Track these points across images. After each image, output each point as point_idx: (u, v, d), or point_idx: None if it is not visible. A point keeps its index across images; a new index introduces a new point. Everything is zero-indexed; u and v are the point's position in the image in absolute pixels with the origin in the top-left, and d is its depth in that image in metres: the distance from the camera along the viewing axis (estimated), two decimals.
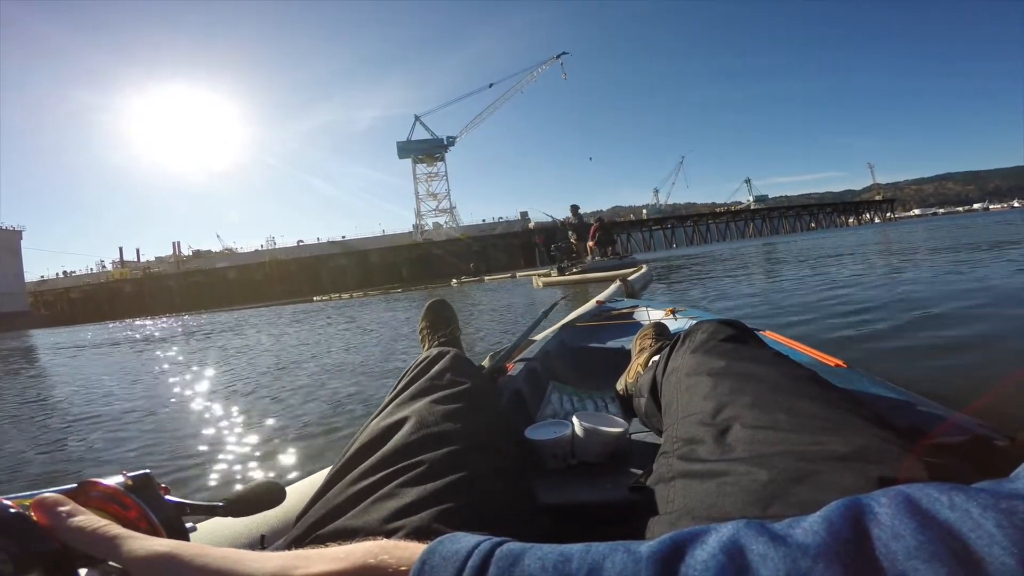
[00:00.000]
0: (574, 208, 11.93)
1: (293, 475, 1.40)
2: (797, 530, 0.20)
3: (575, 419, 0.76)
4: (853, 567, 0.18)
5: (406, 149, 57.67)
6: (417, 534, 0.38)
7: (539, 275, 10.62)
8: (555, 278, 9.65)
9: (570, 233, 11.46)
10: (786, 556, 0.19)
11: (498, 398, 0.87)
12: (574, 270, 9.85)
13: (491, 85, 61.04)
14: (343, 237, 51.19)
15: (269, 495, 0.42)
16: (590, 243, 10.85)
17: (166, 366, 4.44)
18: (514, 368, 1.07)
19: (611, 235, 11.32)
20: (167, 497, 0.35)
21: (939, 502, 0.19)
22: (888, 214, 72.45)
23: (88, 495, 0.32)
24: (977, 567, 0.16)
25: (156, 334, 9.73)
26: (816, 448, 0.39)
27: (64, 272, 54.16)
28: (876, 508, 0.20)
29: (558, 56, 56.05)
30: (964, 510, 0.18)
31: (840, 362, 0.87)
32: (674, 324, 1.47)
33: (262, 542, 0.58)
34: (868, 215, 70.20)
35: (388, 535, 0.38)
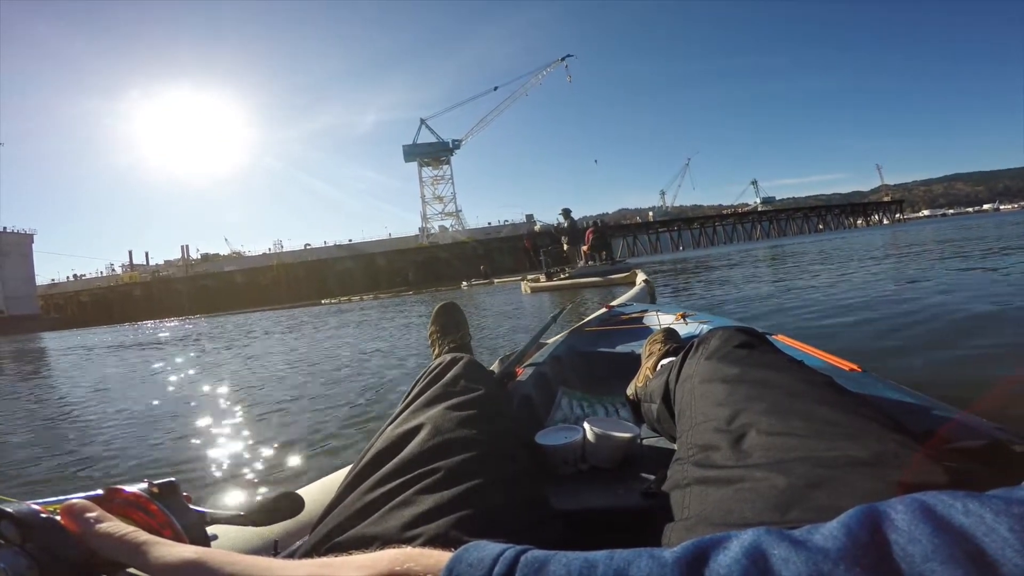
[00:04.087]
0: (566, 212, 11.79)
1: (306, 479, 1.41)
2: (816, 536, 0.21)
3: (586, 424, 0.76)
4: (873, 569, 0.18)
5: (412, 152, 57.90)
6: (435, 541, 0.38)
7: (527, 280, 10.45)
8: (543, 283, 9.49)
9: (563, 238, 11.34)
10: (808, 560, 0.19)
11: (510, 404, 0.87)
12: (563, 275, 9.71)
13: (496, 88, 61.29)
14: (350, 240, 51.36)
15: (288, 505, 0.43)
16: (584, 248, 10.71)
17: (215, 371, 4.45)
18: (524, 373, 1.07)
19: (606, 240, 11.15)
20: (190, 506, 0.36)
21: (953, 508, 0.19)
22: (897, 215, 71.73)
23: (113, 502, 0.32)
24: (991, 568, 0.17)
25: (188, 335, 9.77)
26: (834, 454, 0.38)
27: (74, 275, 54.62)
28: (893, 514, 0.20)
29: (563, 59, 56.18)
30: (978, 515, 0.19)
31: (855, 366, 0.86)
32: (684, 329, 1.46)
33: (275, 547, 0.58)
34: (877, 216, 69.51)
35: (406, 542, 0.38)
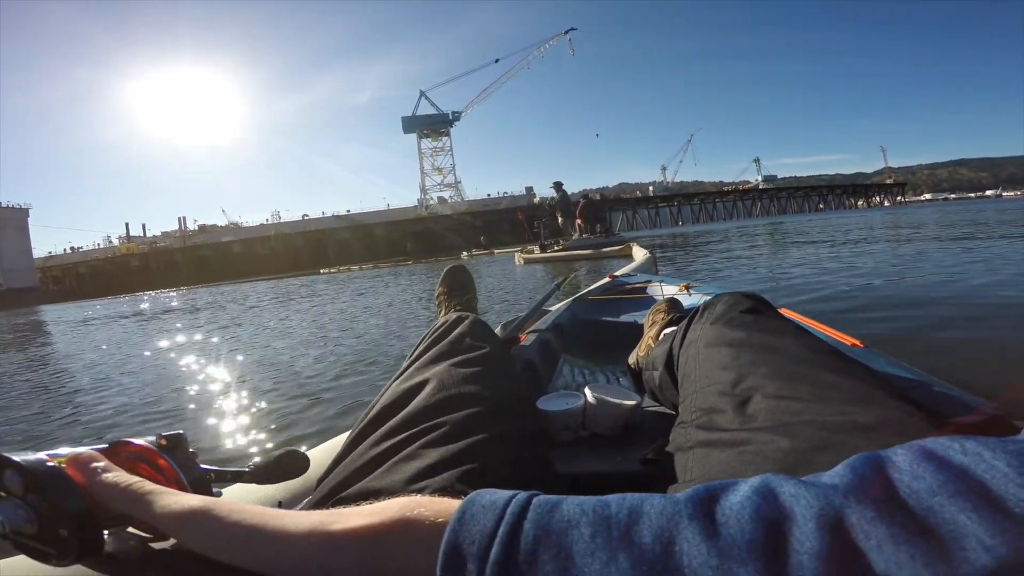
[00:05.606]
0: (558, 185, 11.76)
1: (311, 439, 1.42)
2: (823, 477, 0.21)
3: (588, 390, 0.75)
4: (883, 503, 0.19)
5: (411, 124, 57.18)
6: (440, 494, 0.37)
7: (521, 252, 10.47)
8: (537, 255, 9.50)
9: (556, 210, 11.36)
10: (818, 494, 0.20)
11: (514, 366, 0.87)
12: (556, 248, 9.73)
13: (497, 60, 60.47)
14: (348, 211, 51.00)
15: (294, 464, 0.42)
16: (578, 221, 10.74)
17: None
18: (527, 339, 1.07)
19: (598, 212, 11.14)
20: (197, 463, 0.36)
21: (952, 448, 0.20)
22: (899, 198, 71.25)
23: (119, 454, 0.32)
24: (998, 502, 0.17)
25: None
26: (839, 419, 0.38)
27: (71, 248, 54.25)
28: (893, 457, 0.21)
29: (566, 32, 55.21)
30: (976, 453, 0.19)
31: (857, 342, 0.85)
32: (688, 299, 1.46)
33: (279, 508, 0.58)
34: (878, 198, 69.08)
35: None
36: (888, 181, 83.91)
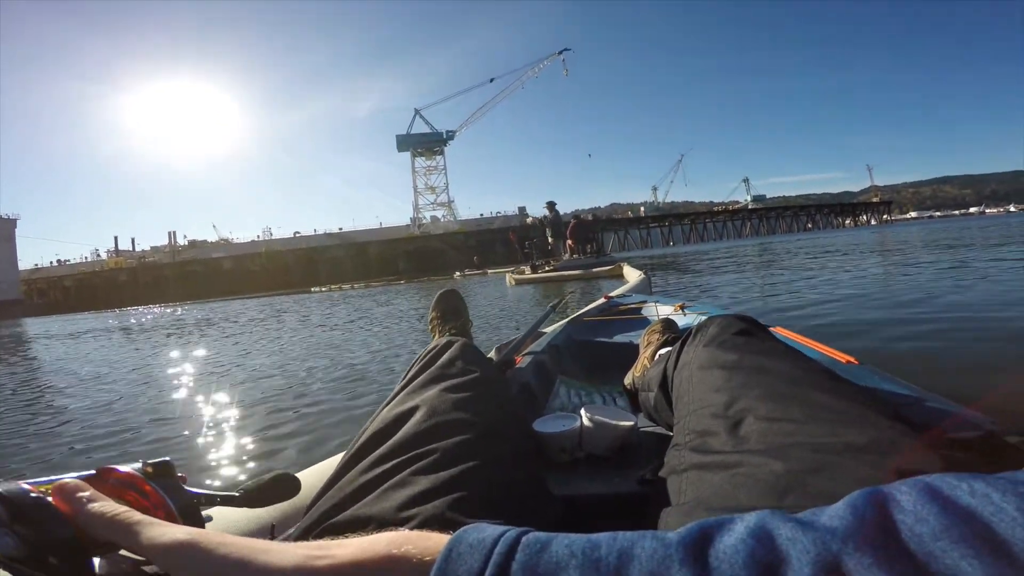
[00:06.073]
0: (551, 205, 11.87)
1: (303, 462, 1.40)
2: (822, 517, 0.20)
3: (584, 412, 0.75)
4: (883, 549, 0.18)
5: (405, 142, 57.59)
6: (431, 523, 0.38)
7: (511, 272, 10.49)
8: (528, 276, 9.52)
9: (547, 230, 11.45)
10: (815, 539, 0.19)
11: (508, 390, 0.87)
12: (547, 268, 9.76)
13: (492, 80, 61.11)
14: (340, 229, 51.02)
15: (284, 486, 0.42)
16: (569, 241, 10.82)
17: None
18: (522, 361, 1.07)
19: (588, 233, 11.29)
20: (185, 487, 0.35)
21: (959, 488, 0.19)
22: (885, 216, 72.45)
23: (107, 482, 0.32)
24: (1003, 548, 0.17)
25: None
26: (832, 440, 0.38)
27: (58, 261, 53.74)
28: (898, 495, 0.20)
29: (560, 52, 56.12)
30: (984, 495, 0.18)
31: (851, 359, 0.85)
32: (683, 320, 1.46)
33: (272, 531, 0.58)
34: (865, 217, 70.20)
35: (401, 523, 0.38)
36: (875, 200, 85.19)
